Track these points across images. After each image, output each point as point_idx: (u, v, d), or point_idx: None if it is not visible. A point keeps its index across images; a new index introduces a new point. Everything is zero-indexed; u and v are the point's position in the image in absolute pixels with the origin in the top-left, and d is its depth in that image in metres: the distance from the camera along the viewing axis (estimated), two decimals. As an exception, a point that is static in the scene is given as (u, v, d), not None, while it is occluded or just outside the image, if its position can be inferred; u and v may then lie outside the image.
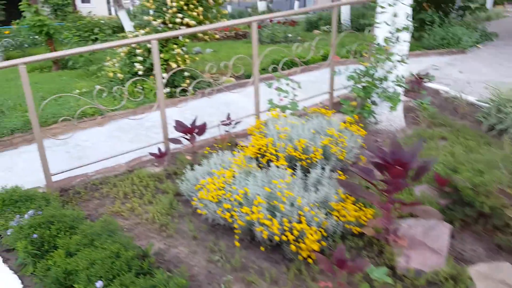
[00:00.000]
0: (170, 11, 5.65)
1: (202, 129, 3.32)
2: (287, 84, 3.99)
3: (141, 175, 3.24)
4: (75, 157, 4.09)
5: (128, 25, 13.38)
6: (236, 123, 3.84)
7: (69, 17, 12.70)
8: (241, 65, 7.73)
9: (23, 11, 9.24)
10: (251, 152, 3.03)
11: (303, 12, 19.70)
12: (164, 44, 5.94)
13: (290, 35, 12.02)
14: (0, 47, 10.95)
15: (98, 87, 5.88)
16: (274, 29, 12.75)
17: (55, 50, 8.87)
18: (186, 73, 5.99)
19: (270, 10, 30.83)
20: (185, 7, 5.69)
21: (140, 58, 5.66)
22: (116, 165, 3.50)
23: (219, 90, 5.76)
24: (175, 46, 5.88)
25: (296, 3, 37.02)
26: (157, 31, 5.78)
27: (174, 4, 5.59)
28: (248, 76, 6.56)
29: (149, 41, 3.22)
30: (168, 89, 5.69)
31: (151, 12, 5.95)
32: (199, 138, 3.49)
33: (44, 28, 8.37)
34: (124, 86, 5.60)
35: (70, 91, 6.01)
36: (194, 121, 3.36)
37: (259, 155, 3.04)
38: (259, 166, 2.89)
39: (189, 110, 5.14)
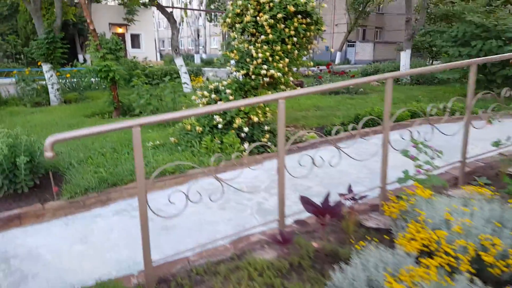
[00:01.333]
0: (254, 62, 5.20)
1: (336, 211, 2.62)
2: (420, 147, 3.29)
3: (258, 265, 2.54)
4: (160, 227, 3.47)
5: (183, 71, 13.43)
6: (360, 198, 3.13)
7: (121, 61, 12.87)
8: (313, 117, 7.25)
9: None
10: (411, 247, 2.29)
11: (442, 69, 19.47)
12: (243, 95, 5.48)
13: (351, 86, 11.50)
14: (58, 89, 11.03)
15: (172, 139, 5.47)
16: (333, 79, 12.32)
17: (118, 95, 8.69)
18: (266, 127, 5.45)
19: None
20: (270, 58, 5.24)
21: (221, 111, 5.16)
22: (220, 247, 2.83)
23: (303, 146, 5.15)
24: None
25: (338, 54, 37.33)
26: (238, 83, 5.33)
27: (260, 55, 5.15)
28: (328, 132, 5.93)
29: (279, 99, 2.64)
30: (247, 145, 5.12)
31: (232, 62, 5.55)
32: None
33: (110, 74, 8.23)
34: (202, 140, 5.15)
35: (142, 143, 5.54)
36: (326, 199, 2.67)
37: (418, 251, 2.29)
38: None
39: (272, 169, 4.51)
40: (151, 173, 4.30)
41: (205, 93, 5.40)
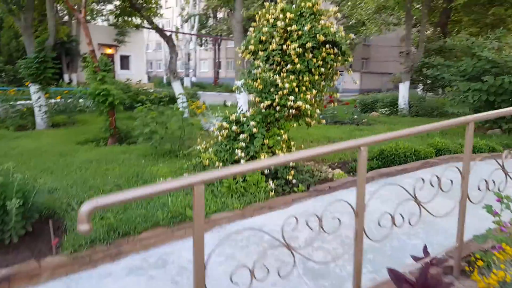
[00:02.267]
0: (280, 92, 4.73)
1: (437, 291, 2.06)
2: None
3: None
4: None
5: (181, 95, 12.88)
6: (437, 262, 2.59)
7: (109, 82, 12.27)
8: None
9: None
10: None
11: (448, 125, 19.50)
12: (266, 127, 4.97)
13: (355, 116, 11.18)
14: (46, 112, 10.28)
15: (185, 175, 4.86)
16: (340, 109, 12.01)
17: (115, 121, 8.05)
18: (291, 163, 4.92)
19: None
20: (296, 89, 4.77)
21: (242, 144, 4.62)
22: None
23: (334, 187, 4.63)
24: (281, 131, 4.89)
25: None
26: (261, 114, 4.82)
27: (287, 85, 4.69)
28: (353, 168, 5.44)
29: (358, 147, 2.11)
30: (270, 182, 4.57)
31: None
32: None
33: (109, 98, 7.62)
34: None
35: (150, 178, 4.93)
36: (424, 273, 2.11)
37: None
38: None
39: (304, 215, 3.93)
40: (171, 218, 3.68)
41: (225, 124, 4.86)
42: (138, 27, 20.79)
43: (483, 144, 6.51)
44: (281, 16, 4.82)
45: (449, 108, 9.20)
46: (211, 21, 46.02)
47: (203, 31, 44.35)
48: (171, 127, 6.58)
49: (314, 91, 4.90)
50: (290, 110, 4.78)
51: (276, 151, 4.70)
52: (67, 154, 6.73)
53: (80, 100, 13.19)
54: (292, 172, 4.78)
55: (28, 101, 10.79)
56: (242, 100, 9.49)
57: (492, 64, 8.47)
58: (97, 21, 37.73)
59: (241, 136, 4.64)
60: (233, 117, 4.86)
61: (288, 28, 4.79)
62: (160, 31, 13.85)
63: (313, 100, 4.94)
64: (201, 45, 47.30)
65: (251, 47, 5.03)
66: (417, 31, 18.11)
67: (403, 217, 2.29)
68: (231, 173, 1.81)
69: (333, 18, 5.04)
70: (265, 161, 1.91)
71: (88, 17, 35.59)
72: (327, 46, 4.83)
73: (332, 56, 4.86)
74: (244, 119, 4.85)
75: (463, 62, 9.22)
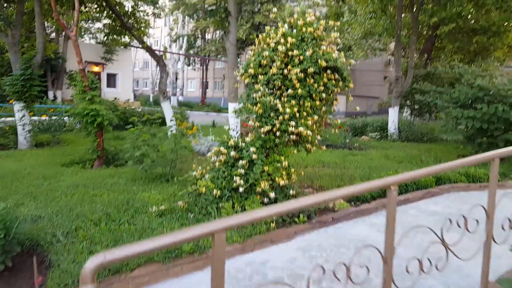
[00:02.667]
0: (280, 117, 4.57)
1: None
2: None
3: None
4: None
5: (170, 117, 12.65)
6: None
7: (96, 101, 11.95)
8: (325, 175, 6.56)
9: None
10: None
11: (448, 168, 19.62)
12: (265, 153, 4.79)
13: (347, 140, 11.11)
14: (30, 131, 9.89)
15: (181, 203, 4.60)
16: (327, 133, 11.92)
17: (103, 142, 7.74)
18: (291, 191, 4.72)
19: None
20: (297, 114, 4.63)
21: (241, 171, 4.41)
22: None
23: (338, 218, 4.44)
24: (281, 157, 4.71)
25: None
26: (261, 139, 4.65)
27: (288, 110, 4.54)
28: (354, 197, 5.27)
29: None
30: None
31: (253, 116, 4.91)
32: None
33: (98, 119, 7.34)
34: (221, 204, 4.32)
35: (142, 206, 4.64)
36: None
37: None
38: None
39: (309, 248, 3.72)
40: (166, 253, 3.41)
41: (223, 149, 4.66)
42: (126, 46, 20.65)
43: (482, 173, 6.43)
44: (282, 40, 4.72)
45: (443, 134, 9.19)
46: (199, 42, 46.37)
47: (191, 51, 44.53)
48: (163, 150, 6.34)
49: (316, 117, 4.76)
50: (291, 136, 4.62)
51: (276, 179, 4.51)
52: (52, 178, 6.38)
53: (65, 119, 12.84)
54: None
55: (10, 118, 10.39)
56: (233, 121, 9.33)
57: (485, 92, 8.53)
58: (84, 38, 37.56)
59: (240, 162, 4.44)
60: (231, 142, 4.66)
61: (290, 53, 4.69)
62: (151, 50, 13.70)
63: (314, 126, 4.80)
64: (189, 65, 47.44)
65: (251, 71, 4.89)
66: (403, 56, 18.49)
67: (430, 262, 2.10)
68: (255, 218, 1.59)
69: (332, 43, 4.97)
70: (291, 203, 1.70)
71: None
72: (328, 71, 4.73)
73: (333, 81, 4.76)
74: (243, 144, 4.66)
75: (455, 89, 9.29)
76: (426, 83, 15.30)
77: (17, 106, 9.70)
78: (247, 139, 4.58)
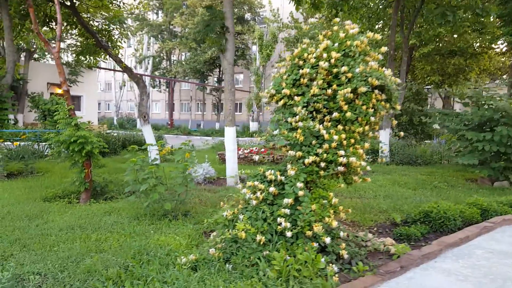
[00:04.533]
0: (325, 146, 3.98)
1: None
2: None
3: None
4: None
5: (151, 141, 11.72)
6: None
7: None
8: (353, 207, 5.93)
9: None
10: None
11: None
12: (310, 187, 4.17)
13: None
14: (0, 160, 8.69)
15: (212, 251, 3.82)
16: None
17: (91, 173, 6.78)
18: (341, 233, 4.10)
19: (260, 131, 30.86)
20: (344, 142, 4.06)
21: (286, 211, 3.73)
22: None
23: (405, 266, 3.84)
24: (328, 193, 4.10)
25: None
26: (303, 171, 4.02)
27: (335, 137, 3.96)
28: (403, 236, 4.74)
29: None
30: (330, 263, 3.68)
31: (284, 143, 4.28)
32: None
33: (87, 147, 6.42)
34: (265, 253, 3.59)
35: (165, 256, 3.81)
36: None
37: None
38: None
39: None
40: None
41: (259, 184, 3.98)
42: (90, 67, 19.47)
43: (506, 208, 5.92)
44: (324, 55, 4.17)
45: (458, 159, 8.84)
46: (164, 63, 45.54)
47: (157, 73, 43.50)
48: (169, 183, 5.55)
49: (367, 145, 4.21)
50: (338, 168, 4.01)
51: (326, 219, 3.86)
52: (37, 217, 5.37)
53: (35, 146, 11.63)
54: (343, 245, 3.94)
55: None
56: (231, 147, 8.63)
57: (501, 114, 8.23)
58: (47, 59, 35.68)
59: (285, 201, 3.76)
60: (270, 176, 3.98)
61: (334, 70, 4.14)
62: (130, 71, 12.84)
63: (364, 155, 4.24)
64: (153, 87, 46.33)
65: (286, 91, 4.29)
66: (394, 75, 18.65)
67: None
68: None
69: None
70: None
71: (37, 55, 33.52)
72: (376, 91, 4.22)
73: (382, 102, 4.26)
74: (283, 178, 4.00)
75: (471, 111, 8.97)
76: (413, 104, 15.38)
77: (-16, 132, 8.52)
78: (291, 172, 3.92)
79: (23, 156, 10.00)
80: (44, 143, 12.04)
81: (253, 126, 34.46)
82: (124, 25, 23.79)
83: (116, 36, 15.47)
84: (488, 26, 14.67)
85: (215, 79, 44.16)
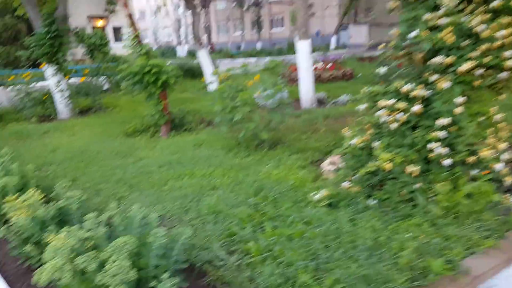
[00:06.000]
0: (483, 46, 3.09)
1: None
2: None
3: None
4: None
5: (209, 67, 11.02)
6: None
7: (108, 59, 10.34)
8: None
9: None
10: None
11: None
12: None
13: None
14: (69, 97, 8.49)
15: (348, 185, 3.28)
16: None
17: (167, 105, 6.34)
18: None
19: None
20: (509, 39, 3.13)
21: (440, 134, 3.03)
22: None
23: None
24: (487, 109, 3.32)
25: (333, 38, 35.34)
26: (457, 81, 3.21)
27: (503, 32, 3.05)
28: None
29: None
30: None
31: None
32: None
33: (162, 76, 5.90)
34: (417, 185, 2.99)
35: (290, 192, 3.36)
36: None
37: None
38: None
39: None
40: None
41: (400, 104, 3.25)
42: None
43: None
44: None
45: None
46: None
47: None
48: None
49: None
50: (501, 74, 3.16)
51: (490, 140, 3.14)
52: (128, 155, 5.10)
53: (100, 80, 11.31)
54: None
55: (40, 84, 8.94)
56: (305, 64, 7.77)
57: None
58: (82, -10, 34.63)
59: (439, 121, 3.05)
60: (416, 91, 3.22)
61: None
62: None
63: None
64: (189, 9, 44.20)
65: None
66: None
67: None
68: None
69: None
70: None
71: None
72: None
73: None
74: (429, 93, 3.24)
75: None
76: None
77: (50, 70, 8.23)
78: (443, 84, 3.13)
79: (87, 92, 9.79)
80: (103, 78, 11.77)
81: (303, 46, 32.47)
82: None
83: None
84: None
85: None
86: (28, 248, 2.54)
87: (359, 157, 3.37)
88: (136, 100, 9.39)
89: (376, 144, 3.31)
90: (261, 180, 3.71)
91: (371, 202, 3.07)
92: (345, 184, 3.27)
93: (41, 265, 2.73)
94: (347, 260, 2.40)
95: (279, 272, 2.31)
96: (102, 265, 1.84)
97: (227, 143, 5.19)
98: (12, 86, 8.55)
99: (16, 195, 2.89)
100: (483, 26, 3.10)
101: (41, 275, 1.80)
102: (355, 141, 3.43)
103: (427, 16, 3.33)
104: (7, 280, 2.61)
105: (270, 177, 3.78)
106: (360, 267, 2.32)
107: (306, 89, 7.90)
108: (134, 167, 4.50)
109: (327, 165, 3.92)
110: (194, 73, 14.30)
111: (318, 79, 11.10)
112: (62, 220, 2.75)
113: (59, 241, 1.88)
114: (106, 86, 11.97)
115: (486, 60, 3.12)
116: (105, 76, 10.80)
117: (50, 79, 8.21)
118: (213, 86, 11.19)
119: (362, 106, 3.59)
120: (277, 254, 2.48)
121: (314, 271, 2.33)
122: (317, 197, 3.15)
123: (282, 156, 4.46)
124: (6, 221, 3.28)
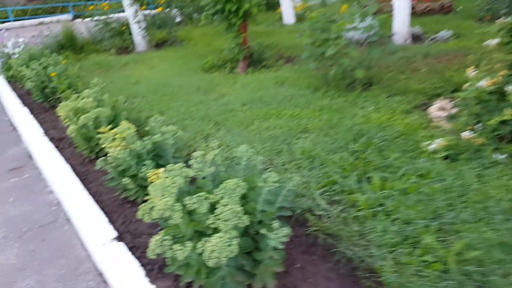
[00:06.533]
0: None
1: None
2: None
3: None
4: None
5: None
6: None
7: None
8: None
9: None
10: None
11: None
12: None
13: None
14: (145, 29, 8.40)
15: (468, 134, 2.79)
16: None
17: (247, 38, 5.97)
18: None
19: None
20: None
21: None
22: None
23: None
24: None
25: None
26: None
27: None
28: None
29: None
30: None
31: None
32: None
33: (244, 5, 5.47)
34: None
35: (393, 140, 2.96)
36: None
37: None
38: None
39: None
40: None
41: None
42: None
43: None
44: None
45: None
46: None
47: None
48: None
49: None
50: None
51: None
52: (210, 91, 4.93)
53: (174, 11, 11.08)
54: None
55: (116, 15, 8.92)
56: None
57: None
58: None
59: None
60: None
61: None
62: None
63: None
64: None
65: None
66: None
67: None
68: None
69: None
70: None
71: None
72: None
73: None
74: None
75: None
76: None
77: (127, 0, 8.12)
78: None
79: (161, 24, 9.65)
80: (176, 10, 11.53)
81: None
82: None
83: None
84: None
85: None
86: (125, 181, 2.50)
87: (487, 102, 2.83)
88: (209, 33, 9.13)
89: (510, 88, 2.74)
90: (360, 124, 3.33)
91: (499, 156, 2.59)
92: (466, 134, 2.79)
93: (136, 198, 2.75)
94: (478, 222, 2.04)
95: (395, 230, 2.03)
96: (212, 207, 1.68)
97: (312, 82, 4.78)
98: (90, 18, 8.64)
99: (109, 126, 2.84)
100: None
101: (151, 212, 1.68)
102: (484, 83, 2.86)
103: None
104: (104, 210, 2.62)
105: (369, 121, 3.39)
106: (495, 232, 1.96)
107: (401, 22, 6.95)
108: (217, 104, 4.32)
109: (436, 110, 3.41)
110: (268, 3, 13.51)
111: (411, 12, 9.87)
112: (156, 154, 2.67)
113: (166, 179, 1.73)
114: (178, 19, 11.77)
115: None
116: (177, 8, 10.55)
117: (127, 10, 8.13)
118: (289, 19, 10.54)
119: (493, 41, 2.97)
120: (391, 210, 2.18)
121: (436, 232, 2.01)
122: (432, 147, 2.73)
123: (379, 98, 3.98)
124: (98, 152, 3.34)
